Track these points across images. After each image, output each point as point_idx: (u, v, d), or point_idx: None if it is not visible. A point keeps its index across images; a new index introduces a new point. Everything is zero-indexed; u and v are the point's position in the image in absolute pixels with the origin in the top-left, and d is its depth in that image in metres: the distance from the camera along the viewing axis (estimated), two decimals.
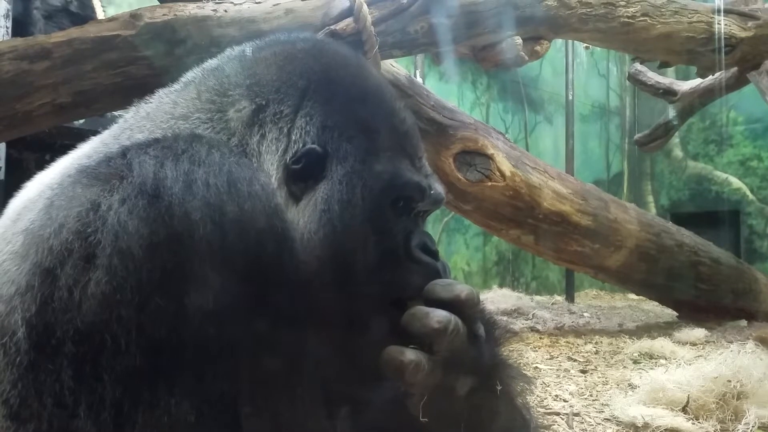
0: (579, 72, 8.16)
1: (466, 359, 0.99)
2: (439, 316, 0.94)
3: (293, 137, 1.09)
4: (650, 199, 9.54)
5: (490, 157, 3.78)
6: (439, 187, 1.21)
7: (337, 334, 1.07)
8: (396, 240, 1.12)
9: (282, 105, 1.11)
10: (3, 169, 3.59)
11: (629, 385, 2.53)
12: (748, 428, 1.90)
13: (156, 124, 1.12)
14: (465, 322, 0.97)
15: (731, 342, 3.16)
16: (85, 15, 4.13)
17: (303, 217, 1.06)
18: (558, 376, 2.74)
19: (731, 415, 1.97)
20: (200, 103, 1.13)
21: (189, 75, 1.23)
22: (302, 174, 1.07)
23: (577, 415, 2.10)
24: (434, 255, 1.14)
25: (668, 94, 6.40)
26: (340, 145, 1.09)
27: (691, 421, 1.98)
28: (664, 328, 4.21)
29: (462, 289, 0.98)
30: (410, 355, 0.93)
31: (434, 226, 6.76)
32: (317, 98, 1.12)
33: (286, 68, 1.15)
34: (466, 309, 0.97)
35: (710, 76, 5.33)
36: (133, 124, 1.15)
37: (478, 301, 1.01)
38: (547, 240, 4.08)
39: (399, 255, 1.11)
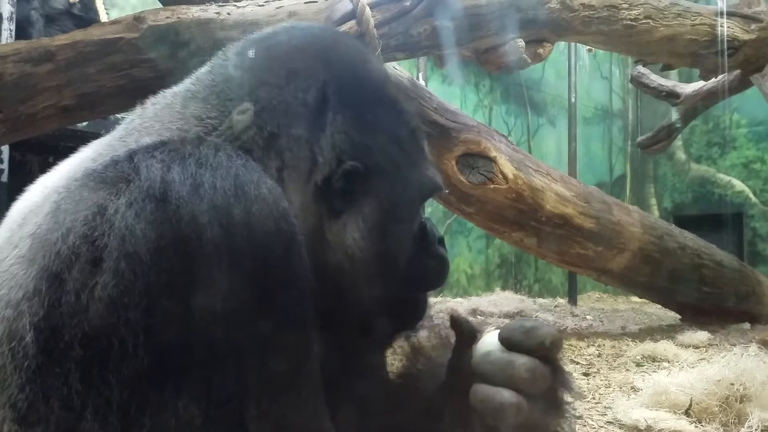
0: (582, 74, 8.17)
1: (554, 398, 0.99)
2: (525, 365, 0.94)
3: (320, 158, 1.07)
4: (653, 201, 9.54)
5: (492, 160, 3.78)
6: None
7: (357, 337, 1.09)
8: (423, 239, 1.16)
9: (292, 128, 1.08)
10: (6, 171, 3.59)
11: (632, 388, 2.53)
12: (751, 431, 1.89)
13: (164, 125, 1.11)
14: (549, 364, 0.96)
15: (734, 345, 3.15)
16: (89, 18, 4.15)
17: (352, 234, 1.07)
18: None
19: (734, 418, 1.97)
20: (204, 120, 1.11)
21: (189, 85, 1.19)
22: (343, 191, 1.07)
23: (579, 418, 2.10)
24: (442, 242, 1.20)
25: (671, 96, 6.41)
26: (377, 160, 1.10)
27: (694, 424, 1.98)
28: (667, 331, 4.21)
29: (545, 335, 0.96)
30: (509, 397, 0.92)
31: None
32: (342, 112, 1.10)
33: (290, 87, 1.11)
34: (550, 354, 0.97)
35: (713, 79, 5.34)
36: (138, 125, 1.14)
37: (562, 341, 0.99)
38: (550, 243, 4.08)
39: (422, 253, 1.15)
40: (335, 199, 1.07)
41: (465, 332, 1.06)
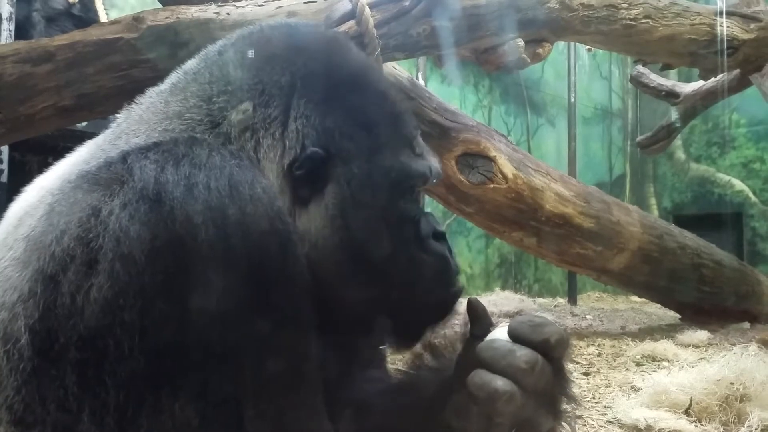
0: (581, 74, 8.16)
1: (551, 398, 0.99)
2: (525, 355, 0.94)
3: (287, 142, 1.07)
4: (653, 201, 9.53)
5: (492, 160, 3.78)
6: (436, 164, 1.21)
7: (349, 336, 1.08)
8: (407, 231, 1.12)
9: (269, 108, 1.09)
10: (6, 171, 3.59)
11: (632, 387, 2.53)
12: (751, 431, 1.89)
13: (150, 126, 1.11)
14: (552, 363, 0.96)
15: (734, 344, 3.15)
16: (88, 18, 4.14)
17: (315, 223, 1.06)
18: None
19: (734, 418, 1.97)
20: (187, 110, 1.11)
21: (173, 79, 1.21)
22: (307, 178, 1.06)
23: (579, 417, 2.10)
24: (443, 238, 1.15)
25: (670, 96, 6.40)
26: (341, 145, 1.07)
27: (694, 423, 1.97)
28: (667, 331, 4.20)
29: (551, 333, 0.96)
30: (503, 385, 0.92)
31: None
32: (308, 96, 1.09)
33: (266, 69, 1.12)
34: (554, 353, 0.97)
35: (712, 79, 5.33)
36: (126, 128, 1.14)
37: (569, 343, 1.00)
38: (550, 242, 4.07)
39: (412, 248, 1.12)
40: (301, 186, 1.06)
41: (479, 320, 1.05)
